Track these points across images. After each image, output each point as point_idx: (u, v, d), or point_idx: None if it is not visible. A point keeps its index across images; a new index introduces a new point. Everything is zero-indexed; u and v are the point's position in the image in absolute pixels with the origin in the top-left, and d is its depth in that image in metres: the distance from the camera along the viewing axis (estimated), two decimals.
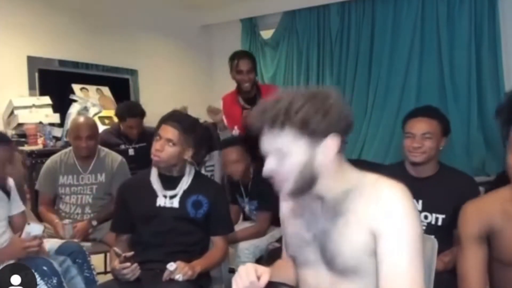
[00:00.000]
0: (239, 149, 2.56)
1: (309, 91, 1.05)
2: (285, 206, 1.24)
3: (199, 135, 1.90)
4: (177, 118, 1.87)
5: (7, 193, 2.07)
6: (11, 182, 2.11)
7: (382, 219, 1.00)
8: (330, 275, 1.09)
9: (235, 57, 3.05)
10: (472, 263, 1.36)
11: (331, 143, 1.02)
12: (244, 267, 1.07)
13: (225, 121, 3.14)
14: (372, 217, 1.01)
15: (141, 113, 3.31)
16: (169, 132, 1.82)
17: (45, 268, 1.82)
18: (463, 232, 1.42)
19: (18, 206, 2.14)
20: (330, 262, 1.08)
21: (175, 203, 1.87)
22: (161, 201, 1.88)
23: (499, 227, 1.33)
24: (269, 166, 1.05)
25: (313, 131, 1.00)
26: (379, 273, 0.99)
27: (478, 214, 1.38)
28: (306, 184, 1.05)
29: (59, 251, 2.03)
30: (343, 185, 1.07)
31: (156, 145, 1.83)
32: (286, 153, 1.02)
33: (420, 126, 1.92)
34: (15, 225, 2.10)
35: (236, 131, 3.02)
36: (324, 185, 1.07)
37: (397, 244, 0.98)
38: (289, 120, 1.00)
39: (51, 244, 2.08)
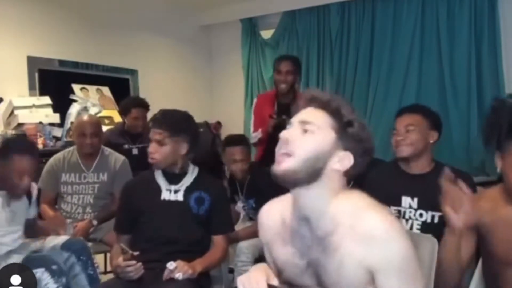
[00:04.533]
0: (245, 149, 2.61)
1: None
2: (269, 230, 1.18)
3: (189, 129, 1.93)
4: (161, 118, 1.91)
5: (29, 197, 2.09)
6: (34, 187, 2.14)
7: (377, 258, 0.99)
8: None
9: (279, 58, 3.13)
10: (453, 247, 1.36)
11: (346, 156, 1.04)
12: (254, 275, 1.06)
13: (252, 121, 3.15)
14: (367, 257, 0.99)
15: (146, 105, 3.32)
16: (156, 133, 1.88)
17: (54, 267, 1.86)
18: None
19: (35, 210, 2.17)
20: None
21: (180, 196, 1.91)
22: (165, 195, 1.91)
23: (490, 225, 1.34)
24: (290, 134, 1.04)
25: (345, 137, 1.03)
26: None
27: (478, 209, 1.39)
28: (307, 173, 1.01)
29: (64, 247, 2.05)
30: (332, 214, 1.04)
31: (149, 149, 1.90)
32: (313, 131, 1.02)
33: (402, 120, 1.96)
34: (27, 228, 2.10)
35: (259, 134, 3.02)
36: (312, 196, 1.04)
37: (396, 278, 0.99)
38: (338, 114, 1.03)
39: (57, 240, 2.10)
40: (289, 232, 1.11)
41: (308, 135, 1.02)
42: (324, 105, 1.05)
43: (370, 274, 1.01)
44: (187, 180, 1.95)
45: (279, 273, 1.16)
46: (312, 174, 1.02)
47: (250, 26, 4.91)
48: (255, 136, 3.04)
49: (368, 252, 0.99)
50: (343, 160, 1.04)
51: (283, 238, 1.13)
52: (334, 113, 1.04)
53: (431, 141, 1.94)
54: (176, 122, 1.90)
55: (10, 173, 1.88)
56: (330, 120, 1.04)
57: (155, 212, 1.89)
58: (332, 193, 1.05)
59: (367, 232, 0.99)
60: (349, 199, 1.05)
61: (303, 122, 1.04)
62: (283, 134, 1.04)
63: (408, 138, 1.90)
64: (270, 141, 2.86)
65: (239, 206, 2.73)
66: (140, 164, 2.80)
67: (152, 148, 1.88)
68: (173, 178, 1.94)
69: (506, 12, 3.52)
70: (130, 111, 3.26)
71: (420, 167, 1.93)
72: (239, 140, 2.68)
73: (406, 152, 1.91)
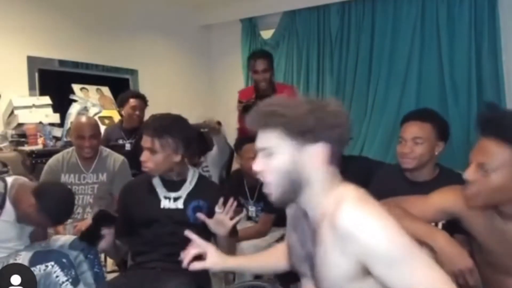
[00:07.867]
0: None
1: (309, 98, 1.06)
2: (292, 208, 1.21)
3: (181, 135, 1.85)
4: (152, 125, 1.85)
5: None
6: None
7: (359, 251, 0.95)
8: None
9: (252, 56, 3.19)
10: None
11: (318, 149, 1.02)
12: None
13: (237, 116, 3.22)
14: (348, 249, 0.96)
15: (143, 96, 3.32)
16: (147, 141, 1.83)
17: (64, 260, 1.90)
18: (436, 199, 1.44)
19: None
20: (317, 284, 1.09)
21: (180, 204, 1.87)
22: (165, 203, 1.87)
23: (482, 233, 1.34)
24: (257, 166, 1.06)
25: (301, 133, 1.01)
26: None
27: (461, 201, 1.37)
28: (291, 189, 1.04)
29: (72, 246, 2.07)
30: (322, 208, 1.04)
31: (141, 158, 1.85)
32: (273, 153, 1.04)
33: (411, 130, 1.86)
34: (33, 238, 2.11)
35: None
36: (308, 197, 1.06)
37: (392, 267, 0.93)
38: (279, 119, 1.01)
39: (64, 239, 2.13)
40: (296, 219, 1.15)
41: (271, 159, 1.04)
42: (264, 121, 1.04)
43: (359, 266, 0.97)
44: (187, 187, 1.90)
45: (289, 255, 1.23)
46: (296, 183, 1.04)
47: (250, 26, 4.90)
48: None
49: (347, 245, 0.96)
50: (313, 153, 1.02)
51: (294, 222, 1.17)
52: (273, 121, 1.02)
53: (437, 153, 1.88)
54: (165, 129, 1.82)
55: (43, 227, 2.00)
56: (276, 130, 1.03)
57: (153, 222, 1.85)
58: (324, 189, 1.05)
59: (341, 225, 0.97)
60: (338, 192, 1.04)
61: (261, 150, 1.07)
62: (254, 173, 1.09)
63: (415, 152, 1.83)
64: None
65: (252, 210, 2.71)
66: (133, 160, 2.78)
67: (144, 156, 1.83)
68: (172, 185, 1.90)
69: (506, 12, 3.52)
70: (128, 101, 3.26)
71: (424, 175, 1.89)
72: (254, 137, 2.70)
73: (411, 165, 1.86)
